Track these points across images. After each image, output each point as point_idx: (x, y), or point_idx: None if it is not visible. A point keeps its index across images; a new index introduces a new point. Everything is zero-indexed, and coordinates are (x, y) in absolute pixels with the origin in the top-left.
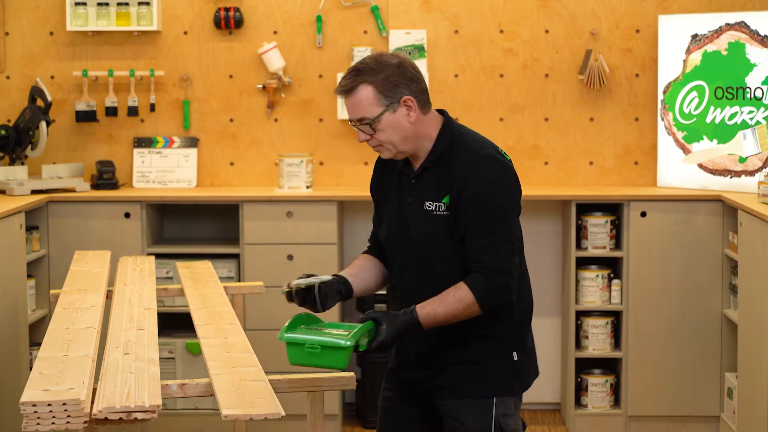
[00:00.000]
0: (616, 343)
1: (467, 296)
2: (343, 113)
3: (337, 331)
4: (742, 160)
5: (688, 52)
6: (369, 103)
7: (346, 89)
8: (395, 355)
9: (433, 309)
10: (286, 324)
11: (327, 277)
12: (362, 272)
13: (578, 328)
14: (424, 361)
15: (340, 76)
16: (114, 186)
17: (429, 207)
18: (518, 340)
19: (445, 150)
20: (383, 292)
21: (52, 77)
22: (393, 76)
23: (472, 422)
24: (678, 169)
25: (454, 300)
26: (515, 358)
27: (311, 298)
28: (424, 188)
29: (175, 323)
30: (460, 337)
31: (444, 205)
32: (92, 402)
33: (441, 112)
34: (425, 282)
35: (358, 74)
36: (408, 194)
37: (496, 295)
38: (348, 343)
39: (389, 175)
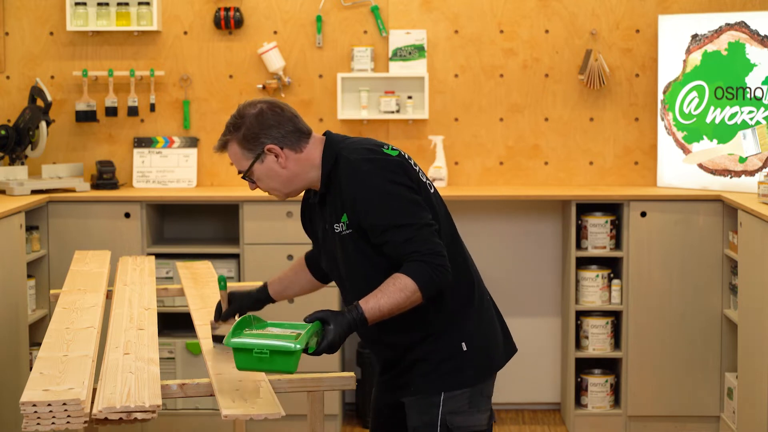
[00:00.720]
0: (616, 343)
1: (408, 283)
2: (342, 113)
3: (284, 332)
4: (742, 160)
5: (688, 52)
6: (238, 158)
7: (218, 148)
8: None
9: (376, 303)
10: (231, 327)
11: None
12: (291, 281)
13: (578, 328)
14: (389, 365)
15: (340, 76)
16: (114, 186)
17: (337, 229)
18: (463, 330)
19: (330, 171)
20: None
21: (52, 77)
22: (252, 129)
23: (416, 420)
24: (678, 169)
25: (395, 290)
26: (464, 348)
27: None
28: (328, 213)
29: (175, 323)
30: (413, 339)
31: (344, 224)
32: (92, 402)
33: (325, 134)
34: (355, 293)
35: (225, 133)
36: (321, 223)
37: (435, 277)
38: (297, 346)
39: (312, 206)
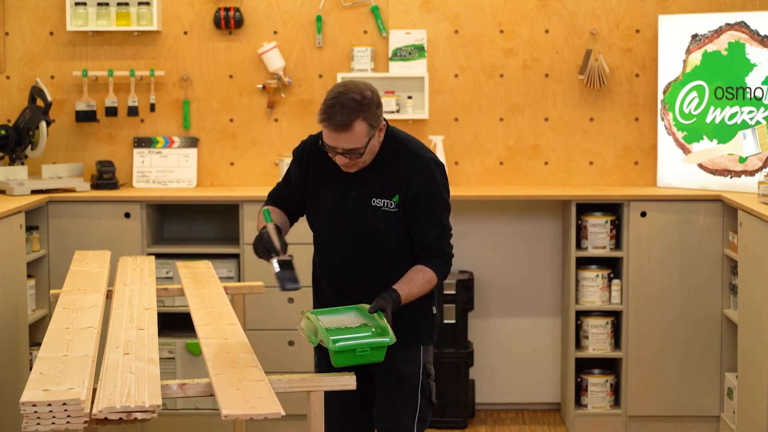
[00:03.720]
0: (616, 343)
1: (433, 277)
2: None
3: (353, 321)
4: (742, 160)
5: (688, 52)
6: (360, 135)
7: (342, 125)
8: None
9: (410, 290)
10: (320, 329)
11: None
12: (282, 223)
13: (578, 328)
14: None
15: (340, 76)
16: (114, 186)
17: (376, 203)
18: (432, 296)
19: (392, 156)
20: None
21: (52, 77)
22: (376, 108)
23: (404, 368)
24: (678, 169)
25: (423, 281)
26: (434, 311)
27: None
28: (371, 187)
29: (175, 323)
30: (389, 282)
31: (393, 203)
32: (92, 402)
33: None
34: (367, 263)
35: (351, 110)
36: (351, 189)
37: (447, 273)
38: (390, 341)
39: (325, 164)
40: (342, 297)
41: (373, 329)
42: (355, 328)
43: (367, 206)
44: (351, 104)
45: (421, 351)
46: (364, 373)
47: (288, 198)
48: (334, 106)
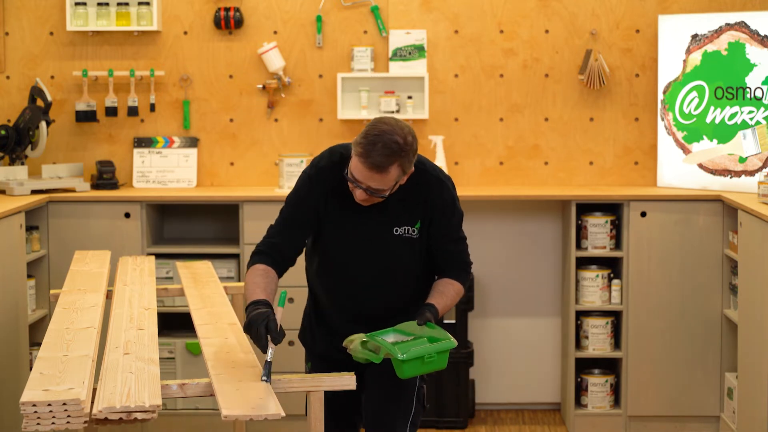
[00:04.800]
0: (616, 343)
1: (461, 289)
2: (342, 113)
3: (407, 335)
4: (742, 160)
5: (688, 52)
6: (393, 178)
7: (379, 166)
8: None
9: (444, 303)
10: (383, 344)
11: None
12: (272, 290)
13: (578, 328)
14: (373, 322)
15: (340, 76)
16: (114, 186)
17: (398, 232)
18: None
19: (413, 182)
20: None
21: (52, 77)
22: (412, 155)
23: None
24: (678, 169)
25: (454, 293)
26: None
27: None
28: (394, 215)
29: (175, 323)
30: (405, 305)
31: (416, 230)
32: (92, 402)
33: None
34: (384, 289)
35: (391, 153)
36: (373, 217)
37: (468, 283)
38: (454, 343)
39: (346, 189)
40: (355, 325)
41: (427, 338)
42: (412, 340)
43: (389, 234)
44: (393, 147)
45: None
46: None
47: (296, 230)
48: (375, 144)
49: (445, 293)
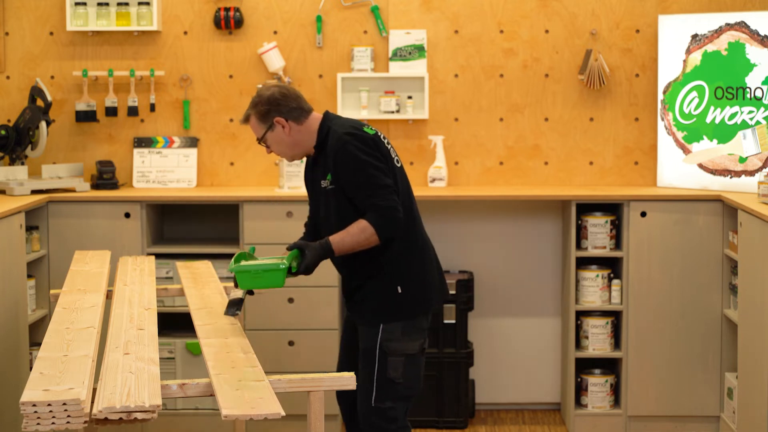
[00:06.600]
0: (616, 343)
1: (367, 226)
2: (342, 113)
3: (271, 260)
4: (742, 160)
5: (688, 52)
6: (255, 128)
7: (243, 121)
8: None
9: (342, 238)
10: (232, 260)
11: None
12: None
13: (578, 328)
14: (351, 294)
15: (340, 76)
16: (114, 186)
17: (323, 185)
18: (400, 276)
19: (322, 140)
20: None
21: (52, 77)
22: (265, 105)
23: (363, 343)
24: (678, 169)
25: (357, 230)
26: (399, 291)
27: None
28: (317, 172)
29: (175, 323)
30: (362, 279)
31: (328, 181)
32: (92, 402)
33: (324, 112)
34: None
35: (247, 109)
36: (312, 179)
37: (389, 223)
38: (283, 265)
39: (309, 170)
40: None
41: (278, 260)
42: (265, 261)
43: (319, 187)
44: (251, 103)
45: (380, 328)
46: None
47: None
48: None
49: (347, 230)
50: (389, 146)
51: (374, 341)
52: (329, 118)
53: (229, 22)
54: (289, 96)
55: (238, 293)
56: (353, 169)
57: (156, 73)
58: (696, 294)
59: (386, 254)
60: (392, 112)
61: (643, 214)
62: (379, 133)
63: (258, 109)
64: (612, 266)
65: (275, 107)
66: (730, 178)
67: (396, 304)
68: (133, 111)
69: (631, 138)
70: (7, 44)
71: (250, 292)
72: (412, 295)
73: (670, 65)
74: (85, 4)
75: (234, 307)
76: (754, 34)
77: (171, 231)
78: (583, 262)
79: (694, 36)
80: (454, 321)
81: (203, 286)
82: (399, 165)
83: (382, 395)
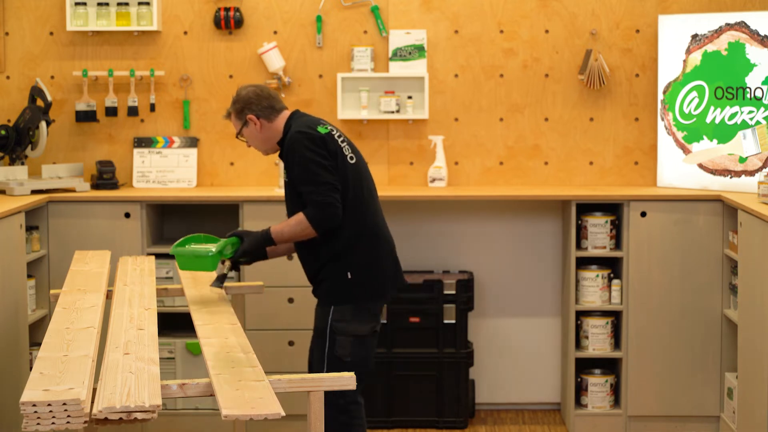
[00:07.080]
0: (616, 343)
1: (303, 219)
2: (342, 113)
3: (213, 245)
4: (742, 160)
5: (688, 52)
6: (234, 123)
7: (225, 117)
8: None
9: (282, 228)
10: (180, 240)
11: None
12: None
13: (578, 328)
14: (311, 279)
15: (340, 76)
16: (114, 186)
17: (286, 179)
18: (350, 262)
19: (283, 137)
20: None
21: (52, 77)
22: (241, 103)
23: (318, 323)
24: (678, 169)
25: (295, 222)
26: (349, 276)
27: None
28: (282, 167)
29: (175, 323)
30: (319, 264)
31: (286, 176)
32: (92, 402)
33: (293, 111)
34: None
35: (229, 107)
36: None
37: (324, 217)
38: (211, 253)
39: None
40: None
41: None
42: (205, 246)
43: (283, 181)
44: (231, 100)
45: (332, 309)
46: None
47: None
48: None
49: (287, 221)
50: (343, 144)
51: (326, 321)
52: (293, 117)
53: (229, 22)
54: (262, 96)
55: (224, 268)
56: (298, 165)
57: (156, 73)
58: (696, 294)
59: (340, 242)
60: (392, 112)
61: (643, 214)
62: (334, 132)
63: (235, 106)
64: (612, 266)
65: (248, 105)
66: (730, 178)
67: (346, 288)
68: (133, 111)
69: (631, 138)
70: (7, 44)
71: (236, 269)
72: (361, 281)
73: (670, 65)
74: (85, 4)
75: (218, 281)
76: (754, 34)
77: (171, 231)
78: (583, 262)
79: (694, 36)
80: (454, 321)
81: (203, 286)
82: (353, 162)
83: (332, 371)
